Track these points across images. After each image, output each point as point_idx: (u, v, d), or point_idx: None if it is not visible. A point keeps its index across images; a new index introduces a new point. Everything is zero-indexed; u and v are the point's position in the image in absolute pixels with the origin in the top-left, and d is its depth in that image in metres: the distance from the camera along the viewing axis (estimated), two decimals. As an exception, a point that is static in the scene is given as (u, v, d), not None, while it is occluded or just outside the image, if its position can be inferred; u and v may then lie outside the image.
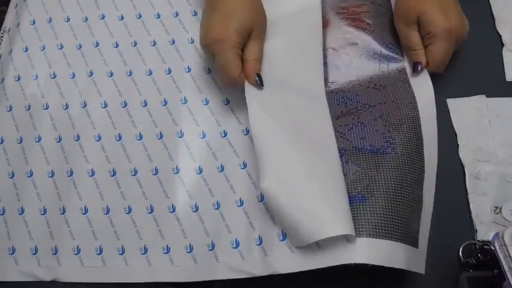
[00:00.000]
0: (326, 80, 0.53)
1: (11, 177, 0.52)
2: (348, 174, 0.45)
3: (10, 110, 0.56)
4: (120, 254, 0.48)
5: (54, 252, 0.48)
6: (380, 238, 0.41)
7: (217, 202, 0.49)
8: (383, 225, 0.41)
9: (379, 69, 0.53)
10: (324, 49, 0.55)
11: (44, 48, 0.59)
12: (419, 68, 0.51)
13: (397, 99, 0.50)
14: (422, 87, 0.50)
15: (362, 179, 0.44)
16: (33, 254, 0.48)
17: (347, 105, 0.51)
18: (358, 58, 0.54)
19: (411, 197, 0.44)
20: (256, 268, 0.44)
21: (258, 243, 0.46)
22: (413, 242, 0.42)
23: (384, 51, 0.54)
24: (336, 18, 0.56)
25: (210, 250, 0.47)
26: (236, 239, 0.47)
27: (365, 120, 0.48)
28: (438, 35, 0.49)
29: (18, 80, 0.57)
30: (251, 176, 0.50)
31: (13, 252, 0.49)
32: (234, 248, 0.46)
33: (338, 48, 0.54)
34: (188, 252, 0.47)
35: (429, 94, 0.49)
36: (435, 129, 0.48)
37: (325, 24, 0.56)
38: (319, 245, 0.42)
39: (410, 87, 0.51)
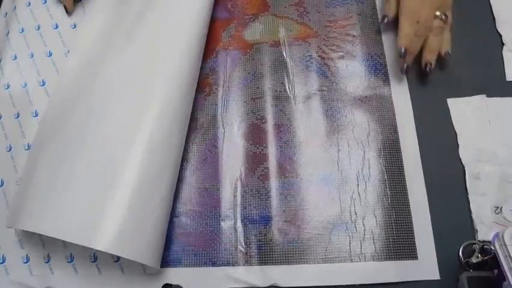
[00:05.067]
0: (313, 86, 0.59)
1: (0, 186, 0.55)
2: (341, 204, 0.53)
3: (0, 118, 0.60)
4: (115, 262, 0.51)
5: (46, 261, 0.51)
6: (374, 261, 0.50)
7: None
8: (373, 247, 0.51)
9: (365, 79, 0.59)
10: (313, 58, 0.61)
11: (32, 56, 0.63)
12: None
13: (379, 119, 0.57)
14: (402, 102, 0.58)
15: (350, 205, 0.53)
16: (25, 263, 0.51)
17: (335, 119, 0.57)
18: (345, 69, 0.60)
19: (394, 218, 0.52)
20: None
21: None
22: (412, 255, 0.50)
23: (369, 62, 0.60)
24: (324, 31, 0.63)
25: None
26: None
27: (350, 142, 0.56)
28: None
29: (7, 88, 0.61)
30: None
31: (3, 262, 0.52)
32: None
33: (325, 58, 0.61)
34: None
35: (408, 110, 0.57)
36: (415, 137, 0.56)
37: (313, 35, 0.62)
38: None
39: (392, 104, 0.58)
